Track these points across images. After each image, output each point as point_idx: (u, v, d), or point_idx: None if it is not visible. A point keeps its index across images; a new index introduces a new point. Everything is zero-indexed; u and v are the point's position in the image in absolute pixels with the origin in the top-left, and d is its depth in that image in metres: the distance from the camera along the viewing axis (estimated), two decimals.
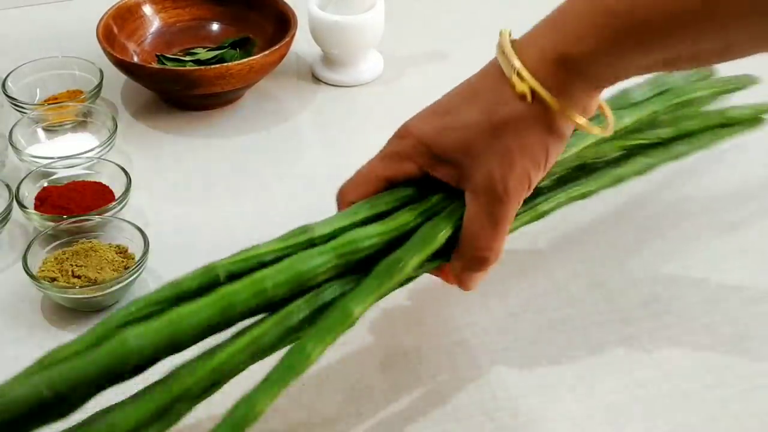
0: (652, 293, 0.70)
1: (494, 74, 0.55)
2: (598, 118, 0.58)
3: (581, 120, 0.53)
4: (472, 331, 0.67)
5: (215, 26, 0.97)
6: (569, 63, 0.51)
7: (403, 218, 0.58)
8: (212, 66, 0.84)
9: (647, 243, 0.75)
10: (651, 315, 0.68)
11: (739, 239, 0.75)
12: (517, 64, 0.53)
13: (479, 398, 0.62)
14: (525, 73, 0.52)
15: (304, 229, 0.56)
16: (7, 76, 0.88)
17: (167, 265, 0.72)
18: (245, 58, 0.86)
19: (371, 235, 0.56)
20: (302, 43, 0.95)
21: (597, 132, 0.56)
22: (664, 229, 0.76)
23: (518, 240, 0.74)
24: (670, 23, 0.47)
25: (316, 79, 0.95)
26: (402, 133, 0.59)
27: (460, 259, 0.58)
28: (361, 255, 0.56)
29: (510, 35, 0.55)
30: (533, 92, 0.52)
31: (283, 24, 0.91)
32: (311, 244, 0.56)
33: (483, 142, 0.54)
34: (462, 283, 0.59)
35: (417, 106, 0.94)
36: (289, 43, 0.88)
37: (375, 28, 0.92)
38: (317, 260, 0.54)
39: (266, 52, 0.86)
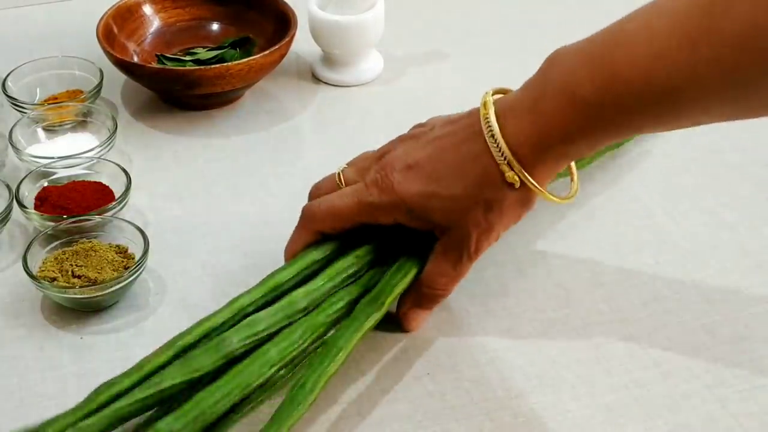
0: (652, 293, 0.70)
1: (481, 151, 0.58)
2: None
3: (557, 199, 0.60)
4: (472, 330, 0.67)
5: (215, 26, 0.97)
6: (551, 147, 0.57)
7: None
8: (212, 66, 0.84)
9: (647, 243, 0.75)
10: (651, 315, 0.68)
11: (738, 239, 0.75)
12: (508, 154, 0.57)
13: (479, 398, 0.62)
14: (515, 165, 0.57)
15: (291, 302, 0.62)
16: (7, 75, 0.88)
17: (167, 265, 0.72)
18: (245, 57, 0.86)
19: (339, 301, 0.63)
20: (302, 43, 0.95)
21: (566, 202, 0.63)
22: (663, 229, 0.76)
23: (518, 240, 0.74)
24: (640, 108, 0.53)
25: (316, 78, 0.95)
26: (386, 189, 0.61)
27: (412, 296, 0.64)
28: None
29: (491, 102, 0.59)
30: (521, 180, 0.58)
31: (283, 24, 0.91)
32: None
33: (467, 214, 0.60)
34: (407, 320, 0.65)
35: (417, 105, 0.95)
36: (289, 43, 0.88)
37: (375, 28, 0.92)
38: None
39: (266, 52, 0.86)
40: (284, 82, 0.95)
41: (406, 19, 1.03)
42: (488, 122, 0.58)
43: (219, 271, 0.72)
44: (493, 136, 0.57)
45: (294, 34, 0.89)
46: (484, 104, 0.59)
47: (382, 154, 0.64)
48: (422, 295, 0.64)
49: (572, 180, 0.65)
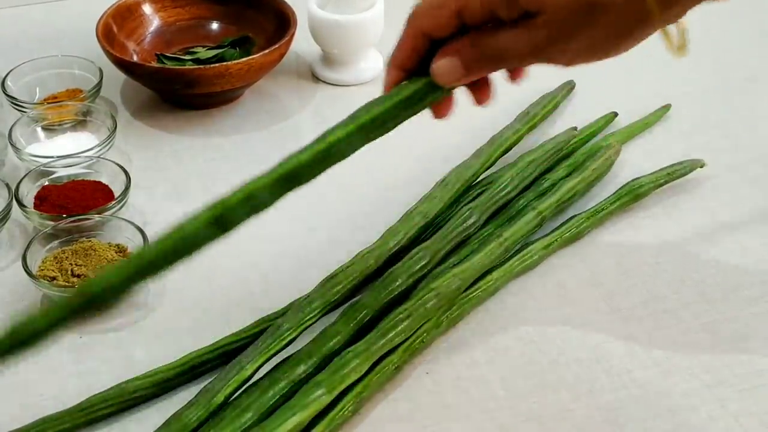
0: (652, 292, 0.70)
1: None
2: None
3: (670, 42, 0.51)
4: (472, 330, 0.67)
5: (215, 25, 0.97)
6: None
7: None
8: (212, 65, 0.84)
9: (646, 242, 0.75)
10: (651, 314, 0.68)
11: (738, 238, 0.75)
12: None
13: (479, 398, 0.62)
14: None
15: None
16: (7, 75, 0.88)
17: None
18: (245, 57, 0.86)
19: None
20: (302, 42, 0.95)
21: (679, 55, 0.53)
22: (663, 228, 0.76)
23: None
24: None
25: (316, 78, 0.95)
26: None
27: (459, 43, 0.55)
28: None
29: None
30: None
31: (282, 23, 0.91)
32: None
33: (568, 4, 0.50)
34: (438, 63, 0.56)
35: None
36: (288, 42, 0.88)
37: (375, 27, 0.92)
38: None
39: (266, 51, 0.85)
40: (284, 81, 0.95)
41: (405, 19, 1.03)
42: None
43: (218, 270, 0.72)
44: None
45: (293, 34, 0.89)
46: None
47: None
48: (472, 47, 0.54)
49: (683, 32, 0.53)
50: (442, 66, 0.55)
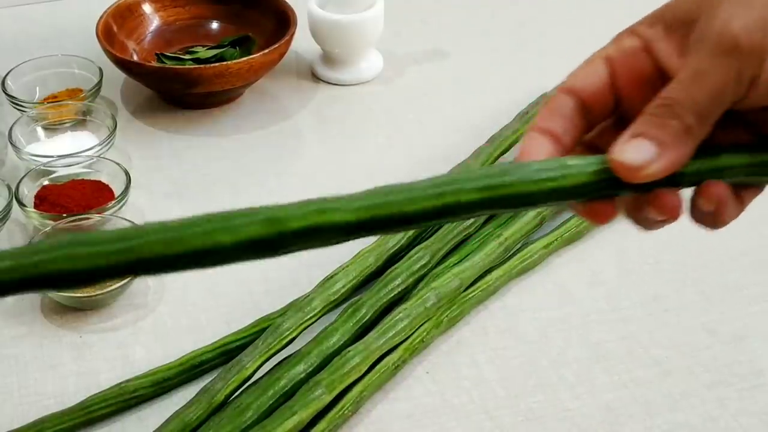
0: (652, 292, 0.70)
1: None
2: None
3: None
4: (472, 329, 0.67)
5: (215, 25, 0.97)
6: None
7: None
8: (212, 64, 0.84)
9: (646, 241, 0.75)
10: (650, 314, 0.68)
11: (738, 237, 0.75)
12: None
13: (479, 397, 0.62)
14: None
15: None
16: (7, 74, 0.88)
17: None
18: (245, 56, 0.86)
19: None
20: (302, 42, 0.95)
21: None
22: (662, 228, 0.76)
23: None
24: None
25: (316, 77, 0.95)
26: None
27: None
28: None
29: None
30: None
31: (282, 22, 0.91)
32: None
33: None
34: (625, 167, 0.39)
35: (416, 104, 0.95)
36: (288, 42, 0.88)
37: (375, 27, 0.92)
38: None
39: (266, 51, 0.85)
40: (284, 80, 0.95)
41: (405, 18, 1.03)
42: None
43: (218, 269, 0.71)
44: None
45: (293, 33, 0.89)
46: None
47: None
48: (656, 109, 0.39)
49: None
50: (629, 149, 0.39)
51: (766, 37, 0.37)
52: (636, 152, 0.38)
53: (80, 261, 0.34)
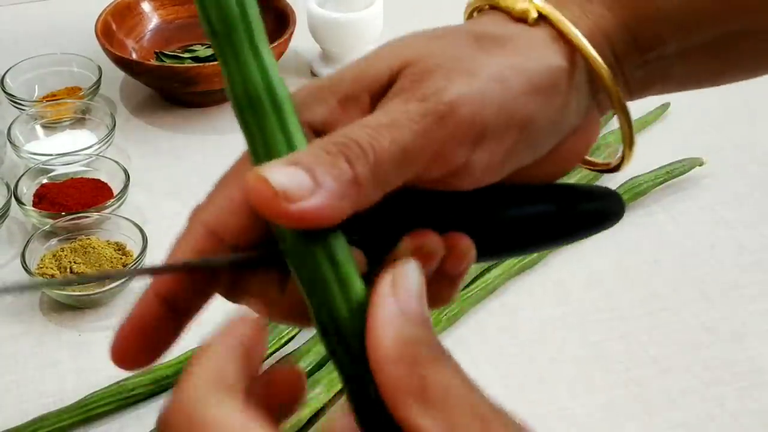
0: (651, 291, 0.70)
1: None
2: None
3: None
4: (471, 329, 0.67)
5: None
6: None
7: None
8: (211, 63, 0.84)
9: (645, 241, 0.75)
10: (649, 313, 0.68)
11: (737, 237, 0.75)
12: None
13: None
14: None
15: None
16: (6, 72, 0.88)
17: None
18: None
19: None
20: (301, 40, 0.95)
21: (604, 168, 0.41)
22: (662, 227, 0.76)
23: None
24: None
25: (315, 75, 0.95)
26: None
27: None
28: None
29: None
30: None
31: (281, 21, 0.91)
32: None
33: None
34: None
35: None
36: (287, 40, 0.88)
37: (374, 25, 0.91)
38: None
39: None
40: (283, 78, 0.94)
41: (404, 17, 1.03)
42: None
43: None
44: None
45: (293, 31, 0.89)
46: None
47: None
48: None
49: (626, 141, 0.39)
50: (280, 172, 0.29)
51: (484, 112, 0.32)
52: (287, 177, 0.29)
53: None
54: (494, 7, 0.36)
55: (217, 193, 0.35)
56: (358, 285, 0.29)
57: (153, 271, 0.33)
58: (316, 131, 0.33)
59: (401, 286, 0.29)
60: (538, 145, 0.34)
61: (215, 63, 0.84)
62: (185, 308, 0.34)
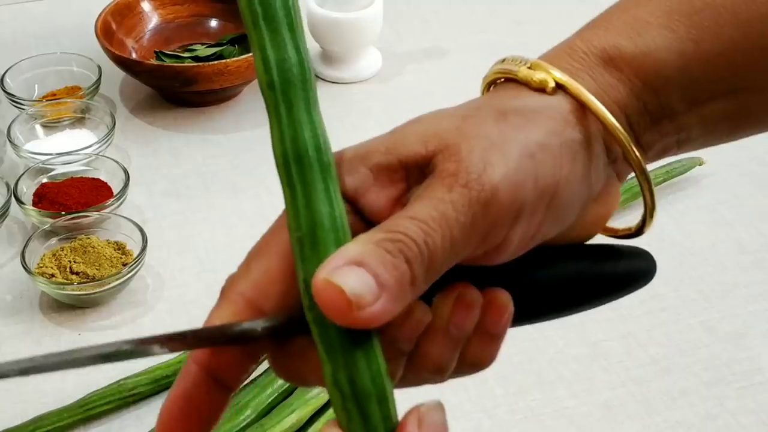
0: (650, 290, 0.70)
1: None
2: None
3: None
4: None
5: (213, 23, 0.97)
6: (617, 62, 0.36)
7: None
8: (210, 62, 0.84)
9: (645, 240, 0.74)
10: (649, 312, 0.68)
11: (737, 236, 0.75)
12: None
13: (477, 396, 0.62)
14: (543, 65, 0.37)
15: None
16: (6, 72, 0.88)
17: (165, 262, 0.72)
18: (243, 54, 0.86)
19: None
20: None
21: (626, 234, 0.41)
22: (662, 227, 0.76)
23: None
24: None
25: (315, 75, 0.95)
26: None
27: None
28: None
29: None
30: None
31: None
32: None
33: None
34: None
35: (415, 102, 0.95)
36: None
37: (373, 25, 0.91)
38: None
39: None
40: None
41: (404, 16, 1.03)
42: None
43: (217, 267, 0.72)
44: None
45: None
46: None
47: None
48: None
49: (648, 207, 0.38)
50: (349, 275, 0.29)
51: (521, 190, 0.33)
52: (358, 281, 0.29)
53: None
54: (510, 79, 0.38)
55: (254, 263, 0.34)
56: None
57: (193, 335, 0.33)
58: (347, 197, 0.34)
59: (427, 423, 0.33)
60: (564, 215, 0.35)
61: (215, 63, 0.84)
62: (229, 378, 0.33)
